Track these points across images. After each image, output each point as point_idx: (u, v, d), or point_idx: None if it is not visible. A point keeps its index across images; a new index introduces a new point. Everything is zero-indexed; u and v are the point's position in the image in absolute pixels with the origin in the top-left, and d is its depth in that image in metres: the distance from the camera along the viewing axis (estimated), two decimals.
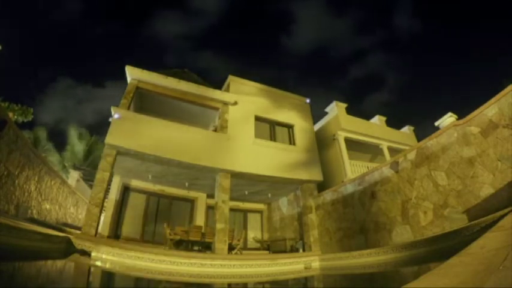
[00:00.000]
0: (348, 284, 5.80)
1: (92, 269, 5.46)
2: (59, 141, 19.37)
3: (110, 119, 8.00)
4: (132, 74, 8.99)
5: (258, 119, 10.36)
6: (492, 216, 3.84)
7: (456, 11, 47.37)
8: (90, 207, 6.87)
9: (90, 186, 10.96)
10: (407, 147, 9.64)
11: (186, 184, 10.35)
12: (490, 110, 4.88)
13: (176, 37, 65.06)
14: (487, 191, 4.68)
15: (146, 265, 6.14)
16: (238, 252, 8.78)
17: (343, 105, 12.52)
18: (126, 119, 8.05)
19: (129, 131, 7.89)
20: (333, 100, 12.58)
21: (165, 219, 9.96)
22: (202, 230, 8.65)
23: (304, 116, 11.52)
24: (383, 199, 6.90)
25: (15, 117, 10.93)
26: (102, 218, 7.94)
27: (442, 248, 4.56)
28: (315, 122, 12.27)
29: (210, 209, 11.03)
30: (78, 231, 6.91)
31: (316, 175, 10.05)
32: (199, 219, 10.76)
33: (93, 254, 5.84)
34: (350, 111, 12.56)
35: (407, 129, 14.41)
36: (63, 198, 10.60)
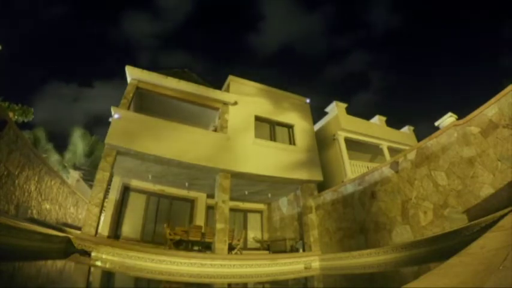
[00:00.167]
0: (348, 284, 5.80)
1: (92, 269, 5.46)
2: (58, 141, 19.38)
3: (110, 119, 8.00)
4: (132, 74, 8.99)
5: (258, 119, 10.36)
6: (492, 216, 3.84)
7: (437, 4, 47.15)
8: (90, 207, 6.88)
9: (90, 186, 10.96)
10: (407, 147, 9.64)
11: (186, 184, 10.35)
12: (490, 110, 4.88)
13: (146, 37, 64.79)
14: (487, 191, 4.68)
15: (146, 265, 6.14)
16: (238, 252, 8.78)
17: (343, 105, 12.52)
18: (126, 119, 8.06)
19: (129, 131, 7.89)
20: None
21: (165, 219, 9.96)
22: (202, 230, 8.66)
23: (304, 116, 11.52)
24: (383, 199, 6.90)
25: (16, 117, 10.94)
26: (102, 218, 7.94)
27: (442, 248, 4.56)
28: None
29: (210, 209, 11.03)
30: (78, 231, 6.91)
31: (316, 175, 10.05)
32: (199, 219, 10.76)
33: (93, 254, 5.84)
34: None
35: (407, 129, 14.41)
36: (63, 198, 10.60)
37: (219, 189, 8.64)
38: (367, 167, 10.68)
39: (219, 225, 8.10)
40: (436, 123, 9.76)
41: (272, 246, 10.94)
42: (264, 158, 9.42)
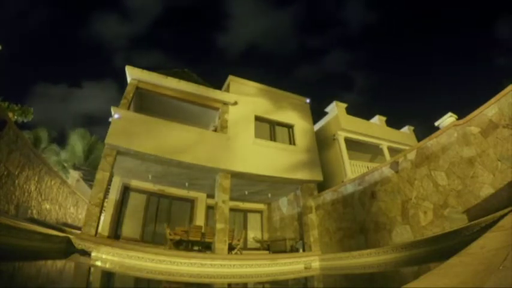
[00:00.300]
0: (348, 284, 5.81)
1: (92, 269, 5.46)
2: (57, 141, 19.38)
3: (110, 119, 8.00)
4: (132, 74, 8.99)
5: (258, 119, 10.36)
6: (492, 216, 3.84)
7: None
8: (90, 207, 6.87)
9: (90, 186, 10.96)
10: (407, 147, 9.64)
11: (186, 184, 10.35)
12: (490, 110, 4.88)
13: (118, 38, 64.88)
14: (487, 191, 4.68)
15: (146, 265, 6.14)
16: (238, 252, 8.78)
17: (343, 105, 12.53)
18: (126, 119, 8.05)
19: (129, 131, 7.88)
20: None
21: (165, 219, 9.97)
22: (202, 230, 8.65)
23: (304, 116, 11.52)
24: (383, 199, 6.90)
25: (15, 117, 10.93)
26: (102, 218, 7.94)
27: (442, 248, 4.56)
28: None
29: (210, 209, 11.02)
30: (78, 231, 6.91)
31: (316, 175, 10.04)
32: (199, 219, 10.76)
33: (93, 254, 5.84)
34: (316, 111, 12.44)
35: (407, 129, 14.41)
36: (63, 198, 10.60)
37: (219, 189, 8.64)
38: (367, 167, 10.68)
39: (219, 225, 8.10)
40: (436, 123, 9.76)
41: (272, 246, 10.94)
42: (264, 158, 9.42)
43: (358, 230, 7.53)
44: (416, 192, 6.06)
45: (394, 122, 14.10)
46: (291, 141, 10.76)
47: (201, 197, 11.30)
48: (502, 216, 3.43)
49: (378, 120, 13.96)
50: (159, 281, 5.75)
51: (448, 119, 9.26)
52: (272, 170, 9.32)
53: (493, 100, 4.86)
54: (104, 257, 5.96)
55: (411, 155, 6.39)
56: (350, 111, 12.53)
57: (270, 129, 10.63)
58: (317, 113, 12.71)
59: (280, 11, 58.84)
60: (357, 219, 7.65)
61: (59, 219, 10.07)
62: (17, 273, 3.51)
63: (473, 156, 5.04)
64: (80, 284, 4.20)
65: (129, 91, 8.83)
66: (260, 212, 12.87)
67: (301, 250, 9.45)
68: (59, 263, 4.97)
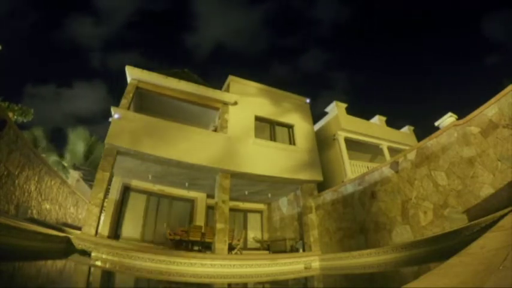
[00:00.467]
0: (348, 284, 5.81)
1: (92, 269, 5.46)
2: (56, 141, 19.36)
3: (110, 119, 8.00)
4: (132, 74, 8.99)
5: (258, 119, 10.36)
6: (492, 216, 3.84)
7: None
8: (90, 207, 6.88)
9: (90, 186, 10.96)
10: (407, 147, 9.64)
11: (186, 184, 10.35)
12: (490, 110, 4.88)
13: (91, 38, 64.15)
14: (487, 191, 4.68)
15: (146, 265, 6.14)
16: (238, 252, 8.78)
17: (343, 105, 12.53)
18: (126, 119, 8.06)
19: (129, 131, 7.88)
20: None
21: (165, 219, 9.97)
22: (202, 230, 8.66)
23: (304, 116, 11.52)
24: (383, 199, 6.90)
25: (15, 117, 10.94)
26: (102, 218, 7.94)
27: (442, 248, 4.56)
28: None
29: (210, 209, 11.02)
30: (78, 231, 6.91)
31: (316, 175, 10.05)
32: (199, 219, 10.75)
33: (93, 254, 5.84)
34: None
35: (407, 129, 14.41)
36: (63, 198, 10.59)
37: (219, 189, 8.64)
38: (367, 167, 10.68)
39: (219, 225, 8.10)
40: (436, 123, 9.77)
41: (272, 246, 10.94)
42: (264, 158, 9.42)
43: (358, 230, 7.53)
44: (416, 192, 6.06)
45: (389, 121, 14.11)
46: (291, 141, 10.76)
47: (201, 197, 11.30)
48: (502, 216, 3.43)
49: (378, 120, 13.97)
50: (159, 281, 5.75)
51: (448, 119, 9.26)
52: (272, 170, 9.32)
53: (493, 100, 4.86)
54: (104, 257, 5.96)
55: (411, 155, 6.39)
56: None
57: (270, 129, 10.63)
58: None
59: (250, 10, 58.69)
60: (357, 219, 7.65)
61: (59, 219, 10.07)
62: (17, 273, 3.51)
63: (473, 156, 5.04)
64: (80, 284, 4.20)
65: (129, 91, 8.83)
66: (260, 212, 12.87)
67: (301, 250, 9.46)
68: (59, 263, 4.97)
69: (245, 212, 12.48)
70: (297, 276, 7.27)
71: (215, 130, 10.24)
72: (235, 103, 10.10)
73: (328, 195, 9.14)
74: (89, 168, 16.73)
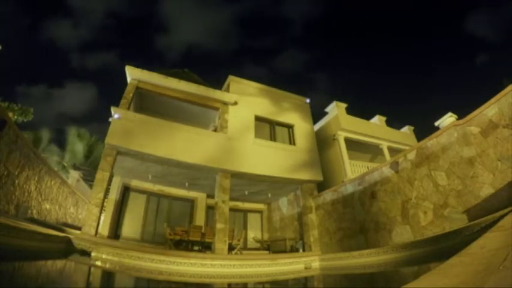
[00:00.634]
0: (348, 284, 5.80)
1: (92, 269, 5.46)
2: (57, 141, 19.35)
3: (110, 119, 8.00)
4: (132, 74, 8.99)
5: (258, 119, 10.36)
6: (492, 216, 3.84)
7: None
8: (90, 207, 6.88)
9: (90, 186, 10.96)
10: (407, 147, 9.64)
11: (186, 184, 10.35)
12: (490, 110, 4.88)
13: (69, 39, 64.05)
14: (487, 191, 4.68)
15: (146, 265, 6.14)
16: (238, 252, 8.78)
17: (343, 105, 12.53)
18: (126, 119, 8.05)
19: (129, 131, 7.89)
20: None
21: (165, 219, 9.96)
22: (202, 230, 8.66)
23: (304, 116, 11.52)
24: (383, 199, 6.90)
25: (15, 117, 10.94)
26: (102, 218, 7.94)
27: (442, 248, 4.56)
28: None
29: (210, 209, 11.02)
30: (78, 231, 6.91)
31: (316, 175, 10.04)
32: (199, 219, 10.76)
33: (93, 254, 5.84)
34: None
35: (407, 129, 14.41)
36: (63, 198, 10.59)
37: (219, 189, 8.64)
38: (367, 167, 10.68)
39: (219, 225, 8.10)
40: (436, 123, 9.77)
41: (272, 246, 10.94)
42: (264, 158, 9.42)
43: (358, 230, 7.52)
44: (416, 192, 6.06)
45: (389, 121, 14.09)
46: (291, 141, 10.76)
47: (201, 197, 11.30)
48: (502, 216, 3.43)
49: (377, 120, 13.97)
50: (159, 281, 5.75)
51: (448, 119, 9.27)
52: (272, 170, 9.32)
53: (493, 100, 4.86)
54: (104, 257, 5.96)
55: (411, 155, 6.39)
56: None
57: (270, 129, 10.63)
58: None
59: (219, 10, 58.95)
60: (357, 219, 7.65)
61: (59, 219, 10.07)
62: (17, 273, 3.51)
63: (473, 156, 5.04)
64: (80, 284, 4.20)
65: (129, 91, 8.83)
66: (260, 212, 12.87)
67: (301, 250, 9.45)
68: (59, 263, 4.97)
69: (245, 212, 12.48)
70: (297, 276, 7.27)
71: (215, 130, 10.24)
72: (235, 103, 10.10)
73: (328, 195, 9.14)
74: (89, 168, 16.74)
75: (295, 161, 9.94)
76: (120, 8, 58.98)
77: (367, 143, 12.25)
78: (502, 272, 1.30)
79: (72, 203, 11.79)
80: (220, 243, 7.86)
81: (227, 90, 10.62)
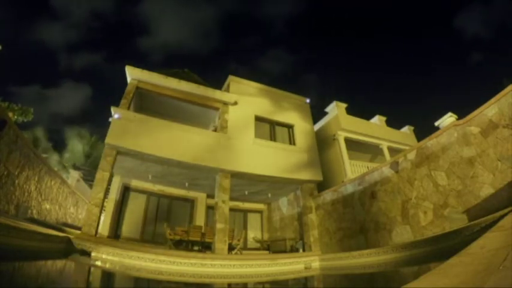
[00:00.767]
0: (348, 284, 5.80)
1: (92, 269, 5.46)
2: (56, 141, 19.35)
3: (110, 119, 8.00)
4: (132, 74, 8.98)
5: (258, 119, 10.36)
6: (492, 216, 3.84)
7: None
8: (90, 207, 6.87)
9: (90, 186, 10.97)
10: (407, 147, 9.64)
11: (186, 184, 10.35)
12: (490, 110, 4.88)
13: (57, 42, 64.52)
14: (487, 191, 4.68)
15: (146, 265, 6.14)
16: (238, 252, 8.78)
17: (343, 105, 12.53)
18: (126, 119, 8.05)
19: (129, 131, 7.88)
20: None
21: (165, 219, 9.96)
22: (202, 230, 8.65)
23: (304, 116, 11.52)
24: (383, 199, 6.90)
25: (15, 117, 10.95)
26: (102, 218, 7.94)
27: (442, 248, 4.56)
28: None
29: (210, 209, 11.02)
30: (78, 231, 6.91)
31: (316, 175, 10.04)
32: (199, 219, 10.76)
33: (93, 254, 5.84)
34: None
35: (407, 129, 14.41)
36: (63, 198, 10.60)
37: (219, 189, 8.64)
38: (367, 167, 10.68)
39: (219, 225, 8.10)
40: (436, 123, 9.77)
41: (272, 246, 10.94)
42: (264, 158, 9.42)
43: (358, 230, 7.52)
44: (416, 192, 6.06)
45: (389, 121, 14.09)
46: (291, 141, 10.76)
47: (201, 197, 11.30)
48: (502, 216, 3.43)
49: (377, 120, 13.97)
50: (159, 281, 5.75)
51: (448, 119, 9.27)
52: (272, 170, 9.32)
53: (493, 100, 4.86)
54: (104, 257, 5.96)
55: (411, 155, 6.39)
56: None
57: (270, 129, 10.63)
58: None
59: (200, 10, 59.24)
60: (357, 219, 7.65)
61: (59, 219, 10.07)
62: (17, 273, 3.51)
63: (473, 156, 5.04)
64: (80, 284, 4.20)
65: (129, 91, 8.82)
66: (260, 212, 12.87)
67: (301, 250, 9.45)
68: (59, 263, 4.97)
69: (245, 212, 12.48)
70: (297, 276, 7.26)
71: (215, 130, 10.24)
72: (235, 103, 10.10)
73: (328, 195, 9.14)
74: (89, 168, 16.75)
75: (295, 161, 9.94)
76: (105, 9, 59.21)
77: (367, 143, 12.25)
78: (502, 272, 1.30)
79: (72, 203, 11.79)
80: (220, 243, 7.86)
81: (227, 90, 10.62)
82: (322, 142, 11.71)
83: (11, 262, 3.83)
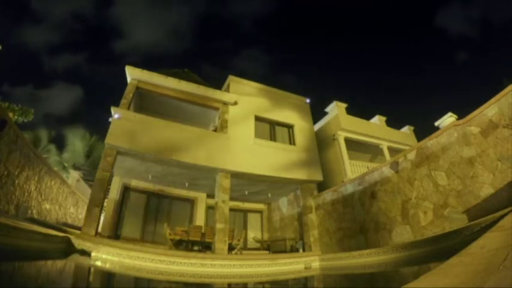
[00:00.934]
0: (348, 284, 5.80)
1: (92, 269, 5.46)
2: (57, 141, 19.33)
3: (110, 119, 8.00)
4: (132, 74, 8.99)
5: (258, 119, 10.37)
6: (492, 216, 3.84)
7: None
8: (90, 207, 6.87)
9: (90, 186, 10.96)
10: (407, 147, 9.64)
11: (186, 184, 10.35)
12: (490, 110, 4.88)
13: (38, 44, 63.65)
14: (487, 191, 4.68)
15: (146, 265, 6.14)
16: (238, 252, 8.78)
17: (343, 105, 12.53)
18: (126, 119, 8.05)
19: (129, 131, 7.88)
20: None
21: (165, 219, 9.96)
22: (202, 230, 8.65)
23: (304, 116, 11.52)
24: (383, 199, 6.90)
25: (15, 117, 10.94)
26: (102, 218, 7.94)
27: (442, 248, 4.56)
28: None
29: (210, 209, 11.03)
30: (78, 231, 6.91)
31: (316, 175, 10.05)
32: (199, 219, 10.76)
33: (93, 254, 5.84)
34: None
35: (407, 129, 14.41)
36: (63, 198, 10.60)
37: (219, 189, 8.64)
38: (367, 167, 10.68)
39: (219, 225, 8.10)
40: (436, 123, 9.77)
41: (272, 246, 10.94)
42: (264, 158, 9.42)
43: (358, 230, 7.52)
44: (416, 192, 6.06)
45: (389, 121, 14.08)
46: (291, 141, 10.76)
47: (201, 197, 11.30)
48: (502, 216, 3.43)
49: (377, 120, 13.97)
50: (159, 281, 5.75)
51: (448, 119, 9.26)
52: (272, 170, 9.32)
53: (493, 100, 4.86)
54: (104, 257, 5.96)
55: (411, 155, 6.39)
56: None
57: (270, 129, 10.63)
58: None
59: (170, 12, 58.97)
60: (357, 219, 7.65)
61: (59, 219, 10.07)
62: (17, 273, 3.51)
63: (473, 156, 5.04)
64: (80, 284, 4.19)
65: (129, 91, 8.83)
66: (260, 212, 12.87)
67: (301, 250, 9.46)
68: (59, 263, 4.97)
69: (245, 212, 12.48)
70: (297, 276, 7.26)
71: (215, 130, 10.24)
72: (235, 103, 10.10)
73: (328, 195, 9.14)
74: (89, 168, 16.75)
75: (295, 161, 9.94)
76: (84, 12, 58.49)
77: (367, 143, 12.25)
78: (502, 272, 1.30)
79: (72, 203, 11.80)
80: (220, 243, 7.86)
81: (227, 90, 10.62)
82: (322, 142, 11.71)
83: (11, 262, 3.83)
